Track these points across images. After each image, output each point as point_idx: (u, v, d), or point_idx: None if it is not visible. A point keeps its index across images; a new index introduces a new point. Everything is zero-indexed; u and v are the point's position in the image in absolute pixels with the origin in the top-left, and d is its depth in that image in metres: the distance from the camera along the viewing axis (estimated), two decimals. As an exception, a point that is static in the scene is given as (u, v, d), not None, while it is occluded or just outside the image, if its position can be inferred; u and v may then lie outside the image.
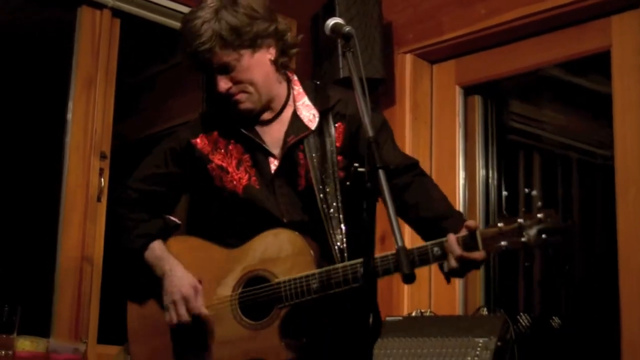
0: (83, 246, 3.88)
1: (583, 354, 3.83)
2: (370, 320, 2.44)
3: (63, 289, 3.81)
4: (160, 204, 2.75)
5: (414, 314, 3.88)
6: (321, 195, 2.54)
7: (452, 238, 2.30)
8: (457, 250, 2.28)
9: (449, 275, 2.39)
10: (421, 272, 4.35)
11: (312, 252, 2.47)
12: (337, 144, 2.60)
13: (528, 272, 5.16)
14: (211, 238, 2.67)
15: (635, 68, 3.81)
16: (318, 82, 2.78)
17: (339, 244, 2.52)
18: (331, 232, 2.52)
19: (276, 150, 2.62)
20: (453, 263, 2.29)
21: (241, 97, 2.58)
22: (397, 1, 4.64)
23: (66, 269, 3.83)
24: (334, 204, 2.54)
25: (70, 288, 3.83)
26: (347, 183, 2.55)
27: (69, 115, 3.97)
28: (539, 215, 2.22)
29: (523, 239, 2.20)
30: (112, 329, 3.70)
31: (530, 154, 5.38)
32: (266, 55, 2.59)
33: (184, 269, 2.60)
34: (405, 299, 4.34)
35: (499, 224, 2.26)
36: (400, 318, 3.77)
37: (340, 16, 4.03)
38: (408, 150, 4.45)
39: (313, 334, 2.50)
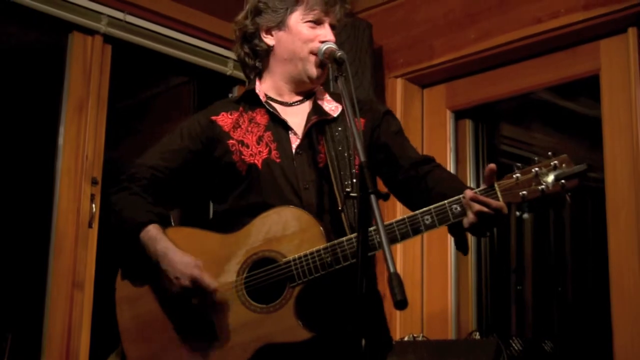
0: (74, 272, 3.86)
1: (576, 378, 3.82)
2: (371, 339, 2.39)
3: (54, 316, 3.79)
4: (171, 184, 2.66)
5: (406, 338, 3.87)
6: (339, 173, 2.56)
7: (469, 192, 2.31)
8: (475, 204, 2.28)
9: (471, 231, 2.36)
10: (413, 296, 4.37)
11: (320, 225, 2.44)
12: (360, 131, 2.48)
13: (520, 295, 5.16)
14: (224, 219, 2.61)
15: (624, 91, 3.83)
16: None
17: (350, 220, 2.50)
18: (346, 211, 2.51)
19: (298, 130, 2.65)
20: (472, 218, 2.29)
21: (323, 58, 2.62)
22: (387, 26, 4.66)
23: (57, 295, 3.81)
24: (351, 186, 2.53)
25: (61, 315, 3.81)
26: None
27: (60, 141, 3.97)
28: (553, 162, 2.22)
29: (541, 187, 2.22)
30: (103, 356, 3.67)
31: (521, 177, 5.37)
32: None
33: (179, 251, 2.50)
34: (397, 323, 4.33)
35: (515, 174, 2.27)
36: (393, 343, 3.76)
37: (331, 41, 4.06)
38: (399, 174, 4.45)
39: (330, 309, 2.45)
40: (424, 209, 2.37)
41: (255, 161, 2.58)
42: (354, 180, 2.55)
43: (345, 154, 2.60)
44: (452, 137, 4.61)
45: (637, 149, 3.73)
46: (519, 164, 2.26)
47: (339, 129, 2.65)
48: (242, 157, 2.59)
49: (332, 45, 2.56)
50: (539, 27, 4.03)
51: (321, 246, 2.41)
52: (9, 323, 4.00)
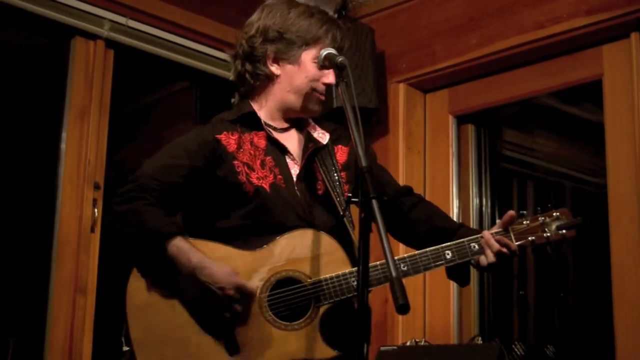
0: (76, 277, 3.86)
1: (578, 383, 3.82)
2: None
3: (56, 321, 3.79)
4: (176, 198, 2.65)
5: (408, 343, 3.86)
6: (338, 199, 2.66)
7: (488, 234, 2.53)
8: (495, 244, 2.51)
9: (486, 270, 2.57)
10: (415, 301, 4.37)
11: (343, 250, 2.54)
12: (340, 162, 2.77)
13: (522, 300, 5.15)
14: (228, 236, 2.61)
15: (627, 96, 3.83)
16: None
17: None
18: (352, 233, 2.62)
19: (296, 155, 2.73)
20: (492, 258, 2.51)
21: (324, 97, 2.75)
22: (390, 31, 4.66)
23: (59, 300, 3.81)
24: (348, 210, 2.63)
25: (63, 319, 3.80)
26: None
27: (63, 146, 3.97)
28: (555, 214, 2.50)
29: (546, 234, 2.48)
30: (105, 361, 3.68)
31: (524, 182, 5.38)
32: None
33: (216, 262, 2.51)
34: (399, 328, 4.33)
35: (525, 222, 2.53)
36: (395, 347, 3.75)
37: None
38: (401, 179, 4.45)
39: (349, 330, 2.49)
40: (445, 244, 2.56)
41: (263, 184, 2.62)
42: (346, 207, 2.60)
43: (337, 181, 2.72)
44: (454, 142, 4.60)
45: (639, 153, 3.73)
46: (524, 212, 2.56)
47: (328, 156, 2.76)
48: (250, 179, 2.62)
49: (332, 51, 2.57)
50: (542, 33, 4.03)
51: (347, 270, 2.52)
52: (11, 328, 4.00)
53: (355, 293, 2.46)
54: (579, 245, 5.32)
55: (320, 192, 2.69)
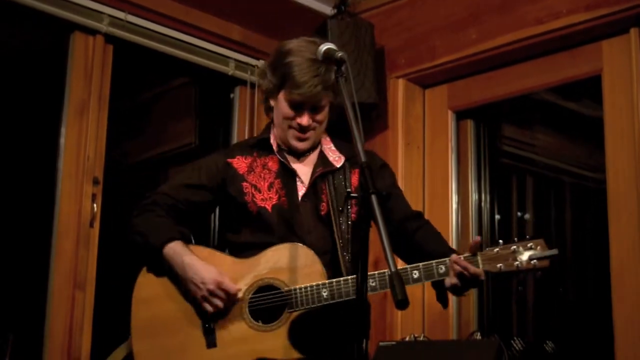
0: (75, 272, 3.86)
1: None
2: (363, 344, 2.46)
3: (55, 316, 3.79)
4: (188, 214, 3.00)
5: (407, 338, 3.86)
6: (339, 220, 2.89)
7: (455, 257, 2.66)
8: (457, 267, 2.63)
9: (451, 291, 2.72)
10: (414, 296, 4.37)
11: (322, 264, 2.76)
12: (353, 185, 2.95)
13: (522, 296, 5.15)
14: (238, 250, 2.93)
15: (626, 92, 3.83)
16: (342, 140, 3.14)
17: (348, 265, 2.83)
18: (344, 254, 2.85)
19: (305, 179, 2.97)
20: (454, 279, 2.64)
21: (309, 134, 2.96)
22: (389, 26, 4.66)
23: (58, 295, 3.82)
24: (346, 234, 2.88)
25: (63, 315, 3.81)
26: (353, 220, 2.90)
27: (62, 141, 3.96)
28: (529, 244, 2.55)
29: (516, 263, 2.55)
30: (105, 356, 3.68)
31: (523, 178, 5.38)
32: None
33: (204, 262, 2.83)
34: (398, 323, 4.33)
35: (496, 249, 2.62)
36: (394, 343, 3.74)
37: (332, 41, 4.05)
38: (400, 174, 4.46)
39: (318, 337, 2.78)
40: (414, 264, 2.72)
41: (266, 205, 2.91)
42: (349, 223, 2.90)
43: (345, 203, 2.92)
44: (453, 137, 4.60)
45: (639, 149, 3.73)
46: (500, 240, 2.62)
47: (340, 177, 2.97)
48: (254, 199, 2.92)
49: (332, 46, 2.59)
50: (541, 28, 4.02)
51: (320, 282, 2.74)
52: (10, 323, 4.01)
53: (324, 303, 2.71)
54: (578, 240, 5.33)
55: (322, 212, 2.92)
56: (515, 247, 2.58)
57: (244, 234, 2.95)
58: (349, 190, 2.52)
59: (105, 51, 4.14)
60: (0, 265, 4.30)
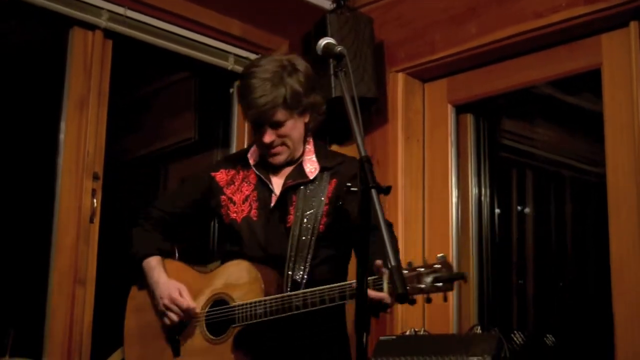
0: (76, 268, 3.86)
1: (577, 372, 3.82)
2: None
3: (56, 311, 3.80)
4: (173, 226, 3.25)
5: (407, 333, 3.86)
6: (296, 233, 2.98)
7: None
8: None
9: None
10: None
11: (262, 281, 2.88)
12: (328, 195, 3.04)
13: (522, 289, 5.15)
14: (224, 259, 3.10)
15: (626, 86, 3.82)
16: (333, 150, 3.34)
17: (297, 277, 2.94)
18: (291, 265, 2.95)
19: (278, 191, 3.08)
20: (350, 302, 2.71)
21: (279, 149, 3.06)
22: (388, 20, 4.66)
23: (59, 291, 3.82)
24: (309, 243, 2.97)
25: (63, 310, 3.81)
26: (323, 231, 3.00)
27: (62, 136, 3.96)
28: (436, 266, 2.48)
29: (420, 285, 2.48)
30: (105, 352, 3.68)
31: (523, 172, 5.38)
32: (304, 119, 3.09)
33: (168, 278, 3.08)
34: (399, 318, 4.34)
35: (403, 272, 2.50)
36: (394, 337, 3.75)
37: (332, 36, 4.06)
38: (400, 168, 4.46)
39: (260, 351, 2.92)
40: (325, 287, 2.76)
41: (237, 217, 3.07)
42: (314, 235, 2.98)
43: (313, 212, 3.00)
44: (453, 131, 4.60)
45: (638, 143, 3.73)
46: (410, 262, 2.53)
47: (314, 188, 3.06)
48: (228, 212, 3.10)
49: (331, 40, 2.59)
50: (540, 22, 4.02)
51: (257, 299, 2.86)
52: (10, 319, 4.00)
53: (259, 319, 2.84)
54: (578, 234, 5.33)
55: (288, 224, 3.02)
56: (421, 269, 2.51)
57: (227, 244, 3.14)
58: (348, 184, 2.50)
59: (105, 46, 4.13)
60: (0, 262, 4.30)
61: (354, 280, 2.55)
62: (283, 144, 3.05)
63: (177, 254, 3.26)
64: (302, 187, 3.06)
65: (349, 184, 2.51)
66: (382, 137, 4.58)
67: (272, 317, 2.82)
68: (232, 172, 3.18)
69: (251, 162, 3.16)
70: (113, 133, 4.18)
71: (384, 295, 2.61)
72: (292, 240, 2.97)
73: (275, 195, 3.07)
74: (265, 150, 3.08)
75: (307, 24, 4.50)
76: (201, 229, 3.42)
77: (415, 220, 4.54)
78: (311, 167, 3.11)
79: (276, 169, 3.13)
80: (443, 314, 4.38)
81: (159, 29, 4.30)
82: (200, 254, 3.57)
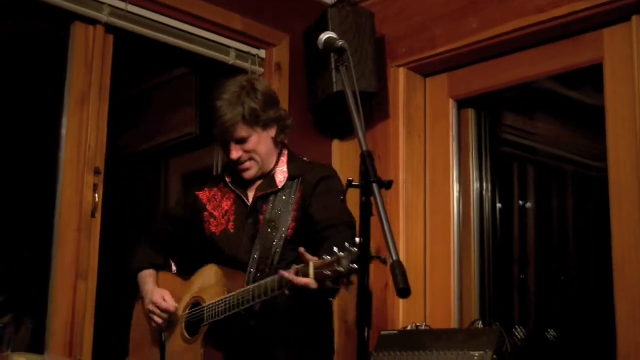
0: (77, 262, 3.86)
1: (579, 367, 3.82)
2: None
3: (58, 306, 3.79)
4: (167, 242, 3.50)
5: (409, 327, 3.87)
6: (263, 238, 3.17)
7: (282, 272, 2.79)
8: (289, 279, 2.75)
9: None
10: (416, 285, 4.37)
11: (225, 283, 3.08)
12: (296, 201, 3.20)
13: (523, 284, 5.16)
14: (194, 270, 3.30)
15: (628, 80, 3.82)
16: (308, 160, 3.40)
17: (254, 280, 3.09)
18: (255, 268, 3.14)
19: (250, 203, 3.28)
20: (286, 291, 2.81)
21: (248, 165, 3.24)
22: (390, 15, 4.66)
23: (61, 285, 3.82)
24: (276, 247, 3.15)
25: (65, 305, 3.81)
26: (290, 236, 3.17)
27: (63, 131, 3.95)
28: (353, 249, 2.58)
29: (340, 268, 2.61)
30: (107, 346, 3.69)
31: (525, 167, 5.38)
32: (270, 134, 3.26)
33: (155, 287, 3.34)
34: (400, 312, 4.34)
35: (326, 257, 2.69)
36: (396, 332, 3.76)
37: (333, 30, 4.06)
38: (402, 163, 4.47)
39: (228, 345, 3.09)
40: (268, 279, 2.89)
41: (216, 230, 3.29)
42: (281, 240, 3.15)
43: (282, 218, 3.18)
44: (454, 126, 4.60)
45: (640, 138, 3.73)
46: (336, 249, 2.65)
47: (283, 197, 3.23)
48: (210, 226, 3.32)
49: (332, 35, 2.60)
50: (542, 16, 4.01)
51: (220, 298, 3.04)
52: (12, 313, 4.01)
53: (220, 317, 3.01)
54: (580, 229, 5.33)
55: (258, 232, 3.21)
56: (341, 253, 2.63)
57: (207, 255, 3.32)
58: (350, 179, 2.51)
59: (106, 41, 4.12)
60: (2, 256, 4.30)
61: (286, 271, 2.82)
62: (251, 159, 3.24)
63: (173, 267, 3.50)
64: (272, 197, 3.24)
65: (350, 179, 2.51)
66: (384, 132, 4.58)
67: (231, 313, 2.98)
68: (215, 189, 3.41)
69: (228, 180, 3.36)
70: (114, 128, 4.18)
71: (309, 280, 2.69)
72: (259, 245, 3.17)
73: (249, 207, 3.26)
74: (236, 167, 3.27)
75: (309, 19, 4.50)
76: (195, 242, 3.48)
77: (416, 215, 4.54)
78: (281, 177, 3.29)
79: (250, 183, 3.32)
80: (445, 309, 4.38)
81: (160, 24, 4.29)
82: (196, 265, 3.62)
